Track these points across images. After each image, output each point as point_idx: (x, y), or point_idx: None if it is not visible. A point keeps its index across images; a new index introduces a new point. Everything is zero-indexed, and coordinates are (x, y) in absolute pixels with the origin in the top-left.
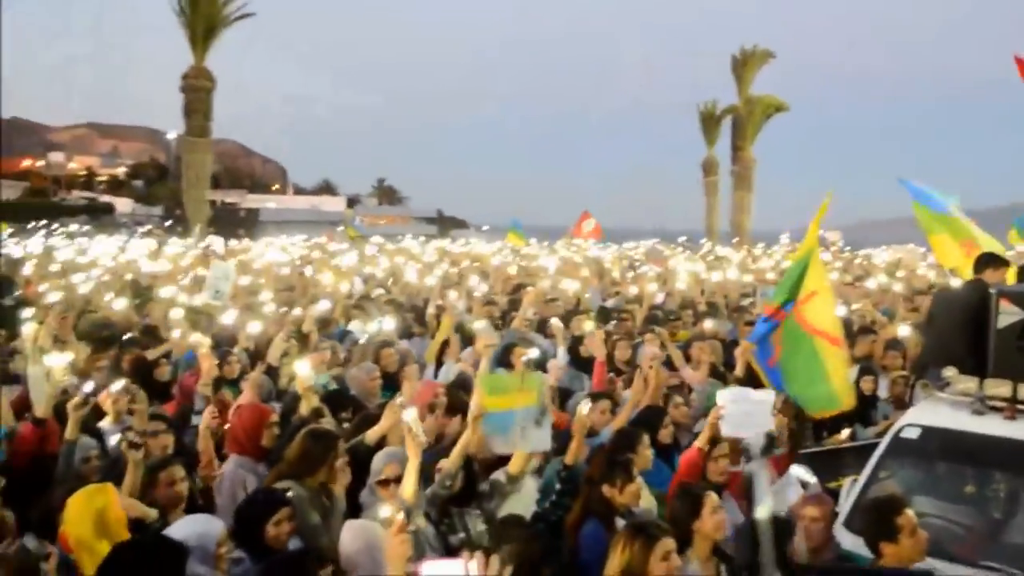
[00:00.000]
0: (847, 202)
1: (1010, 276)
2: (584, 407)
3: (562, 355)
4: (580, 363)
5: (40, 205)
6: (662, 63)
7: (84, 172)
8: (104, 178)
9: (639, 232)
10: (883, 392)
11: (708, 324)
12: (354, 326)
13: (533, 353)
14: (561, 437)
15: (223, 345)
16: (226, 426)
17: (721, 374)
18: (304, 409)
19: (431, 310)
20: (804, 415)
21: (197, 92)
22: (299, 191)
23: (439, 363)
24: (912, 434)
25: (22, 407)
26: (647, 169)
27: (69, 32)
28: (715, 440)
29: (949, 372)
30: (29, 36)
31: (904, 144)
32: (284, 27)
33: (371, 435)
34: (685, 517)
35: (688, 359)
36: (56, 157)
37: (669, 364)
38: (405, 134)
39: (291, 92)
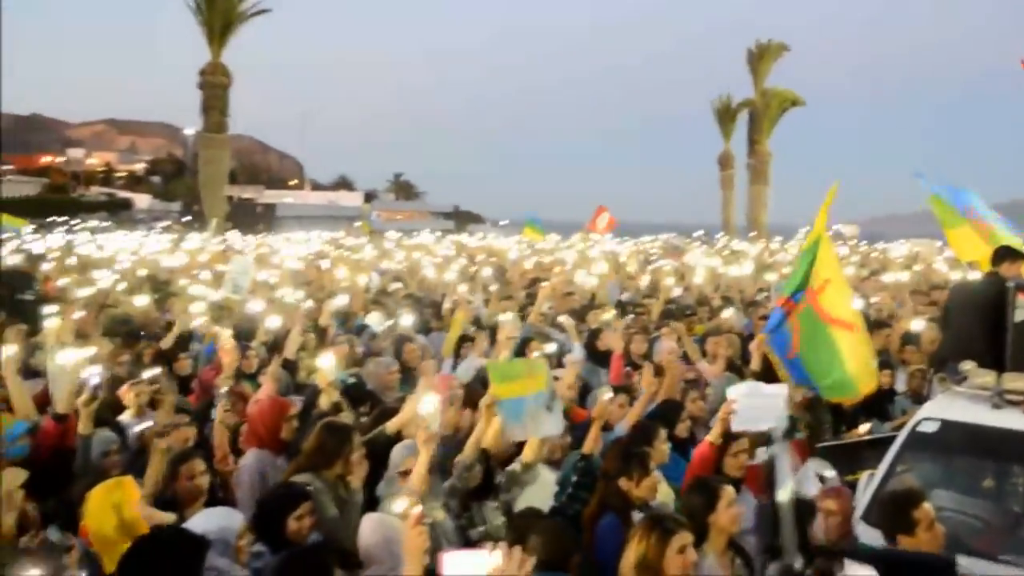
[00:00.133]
0: (865, 196)
1: None
2: (605, 395)
3: (578, 350)
4: (597, 357)
5: (60, 201)
6: (678, 58)
7: (103, 168)
8: (122, 174)
9: (655, 227)
10: (901, 386)
11: (727, 313)
12: (371, 319)
13: (550, 348)
14: (578, 432)
15: (241, 339)
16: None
17: (738, 368)
18: (324, 403)
19: (447, 305)
20: (821, 410)
21: (214, 88)
22: (316, 186)
23: (456, 357)
24: (930, 428)
25: (44, 402)
26: (663, 164)
27: (87, 29)
28: (730, 435)
29: (967, 366)
30: (46, 34)
31: (923, 138)
32: (299, 22)
33: (392, 425)
34: (701, 511)
35: (704, 353)
36: (75, 153)
37: (685, 358)
38: (422, 129)
39: (309, 86)
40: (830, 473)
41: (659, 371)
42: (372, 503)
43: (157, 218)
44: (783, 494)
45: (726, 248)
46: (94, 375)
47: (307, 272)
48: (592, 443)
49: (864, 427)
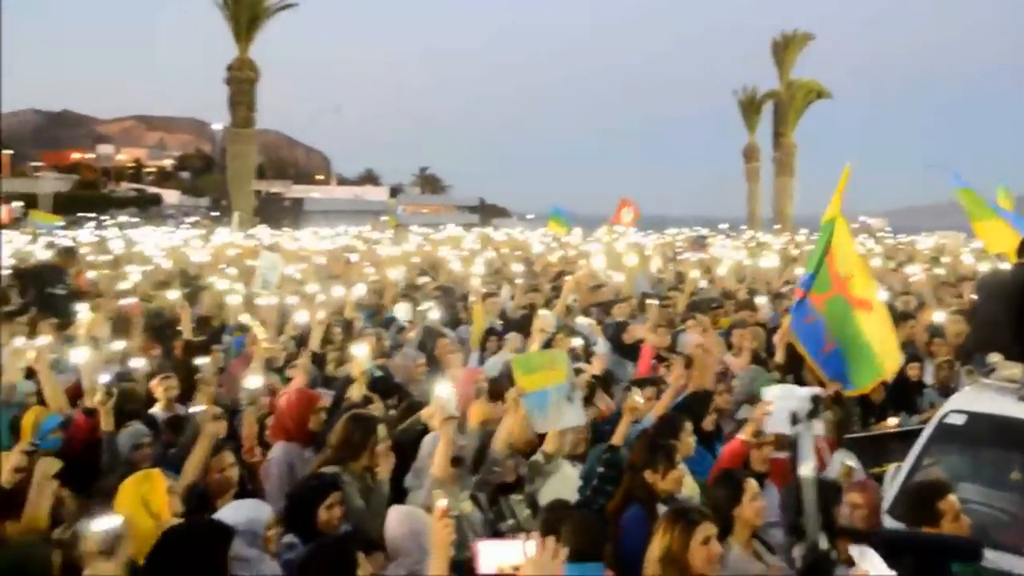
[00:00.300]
0: (892, 188)
1: None
2: (637, 395)
3: (602, 344)
4: (623, 350)
5: (90, 197)
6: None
7: (132, 164)
8: (152, 170)
9: (681, 220)
10: (929, 378)
11: (760, 300)
12: (399, 311)
13: (576, 342)
14: (600, 426)
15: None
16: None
17: (763, 360)
18: (355, 394)
19: (472, 298)
20: (849, 402)
21: (241, 83)
22: (342, 181)
23: (482, 350)
24: (957, 420)
25: (76, 395)
26: (689, 156)
27: (116, 27)
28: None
29: (994, 358)
30: (76, 32)
31: (951, 129)
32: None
33: (427, 413)
34: (726, 503)
35: (730, 346)
36: (105, 149)
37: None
38: (449, 123)
39: (336, 80)
40: (856, 465)
41: (688, 364)
42: (399, 495)
43: (186, 213)
44: (805, 470)
45: (752, 240)
46: (106, 374)
47: (334, 266)
48: (621, 436)
49: (892, 420)
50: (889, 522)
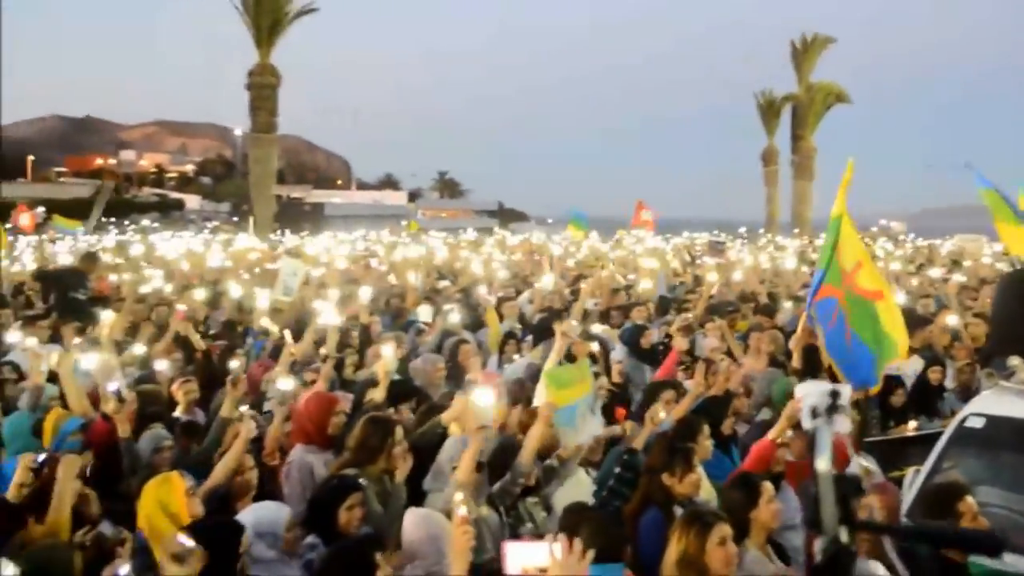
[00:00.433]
0: (912, 191)
1: None
2: (661, 411)
3: (619, 350)
4: (640, 354)
5: (113, 202)
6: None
7: (154, 169)
8: (173, 175)
9: (700, 223)
10: (951, 382)
11: (786, 306)
12: (421, 312)
13: (594, 346)
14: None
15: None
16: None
17: (781, 364)
18: (378, 396)
19: (493, 300)
20: (869, 406)
21: (262, 89)
22: (362, 185)
23: (501, 354)
24: (977, 423)
25: (99, 398)
26: (707, 159)
27: (137, 31)
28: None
29: (1014, 361)
30: (96, 36)
31: (975, 126)
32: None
33: (447, 417)
34: (742, 506)
35: (747, 349)
36: (127, 155)
37: (729, 354)
38: (468, 127)
39: (357, 85)
40: (875, 468)
41: (707, 368)
42: (417, 497)
43: (207, 218)
44: (822, 464)
45: (770, 244)
46: (115, 382)
47: (355, 271)
48: (641, 441)
49: (912, 424)
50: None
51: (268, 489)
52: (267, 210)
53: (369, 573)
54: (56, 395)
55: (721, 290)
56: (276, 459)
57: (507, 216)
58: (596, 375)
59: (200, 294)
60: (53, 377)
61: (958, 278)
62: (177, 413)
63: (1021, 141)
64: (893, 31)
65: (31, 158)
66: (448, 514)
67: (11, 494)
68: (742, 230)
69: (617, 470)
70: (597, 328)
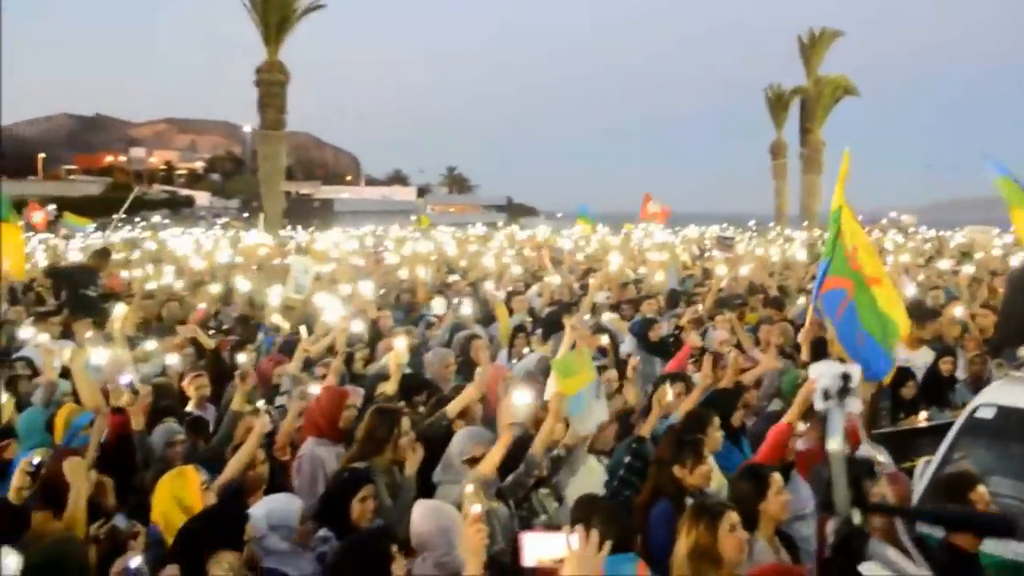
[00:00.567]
0: (922, 183)
1: None
2: (668, 391)
3: (628, 342)
4: (649, 346)
5: (123, 200)
6: (730, 45)
7: (164, 166)
8: (183, 172)
9: (709, 217)
10: (962, 374)
11: (800, 301)
12: (435, 305)
13: (604, 339)
14: (625, 421)
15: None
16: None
17: (790, 356)
18: (390, 389)
19: (501, 295)
20: (879, 397)
21: (271, 86)
22: (371, 181)
23: (510, 347)
24: (987, 414)
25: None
26: (716, 153)
27: (146, 30)
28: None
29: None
30: (106, 36)
31: (979, 123)
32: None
33: (452, 409)
34: (751, 498)
35: (757, 342)
36: (137, 152)
37: (738, 347)
38: (469, 127)
39: (363, 82)
40: (885, 459)
41: (715, 361)
42: (426, 490)
43: (217, 215)
44: (834, 445)
45: (779, 237)
46: (127, 375)
47: (366, 267)
48: (649, 428)
49: (923, 415)
50: None
51: (279, 483)
52: (276, 206)
53: (384, 565)
54: (69, 391)
55: (730, 284)
56: (287, 453)
57: (516, 211)
58: (604, 368)
59: (215, 289)
60: (66, 373)
61: (967, 269)
62: (188, 408)
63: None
64: (898, 26)
65: (42, 156)
66: (459, 506)
67: (11, 496)
68: (751, 223)
69: (627, 459)
70: (608, 316)
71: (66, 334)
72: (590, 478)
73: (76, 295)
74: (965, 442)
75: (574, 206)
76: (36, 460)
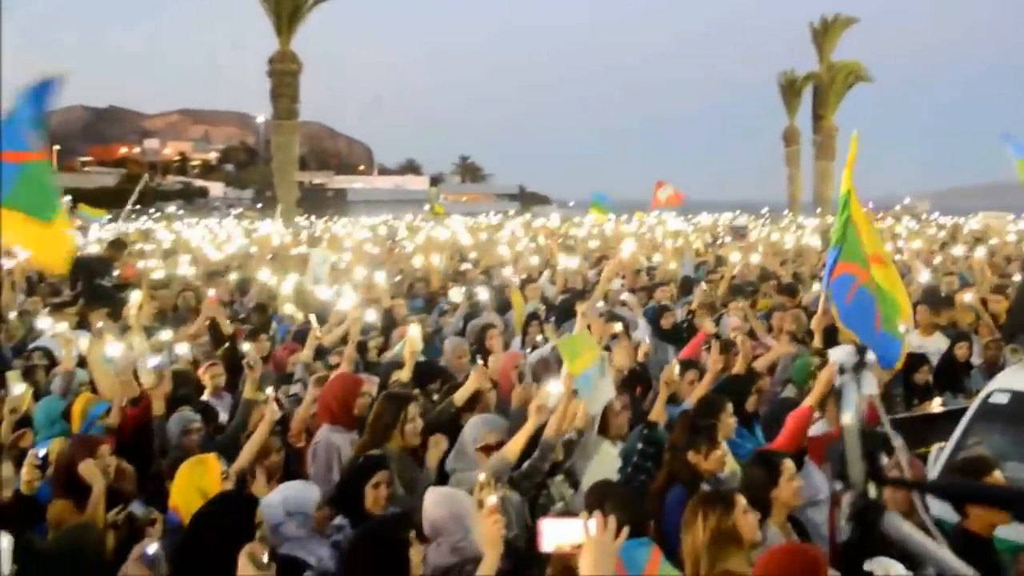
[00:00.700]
0: (935, 169)
1: None
2: (674, 368)
3: (643, 327)
4: (662, 334)
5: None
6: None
7: (178, 157)
8: (197, 163)
9: (722, 204)
10: (977, 359)
11: (815, 288)
12: (453, 295)
13: (617, 326)
14: (639, 408)
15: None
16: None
17: (803, 342)
18: (404, 376)
19: (516, 281)
20: (892, 383)
21: (284, 76)
22: (384, 171)
23: (524, 335)
24: (1001, 399)
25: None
26: (729, 140)
27: (159, 21)
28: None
29: None
30: (122, 28)
31: (994, 109)
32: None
33: (459, 396)
34: (762, 485)
35: (770, 329)
36: (151, 144)
37: (751, 334)
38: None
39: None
40: (899, 443)
41: (726, 347)
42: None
43: (231, 205)
44: (847, 418)
45: (792, 224)
46: (153, 358)
47: (380, 255)
48: (658, 411)
49: (936, 400)
50: (932, 501)
51: (294, 470)
52: (290, 196)
53: (401, 552)
54: (86, 380)
55: (742, 271)
56: (303, 440)
57: (529, 200)
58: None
59: (234, 276)
60: (82, 362)
61: (980, 252)
62: (204, 397)
63: None
64: (913, 9)
65: (56, 148)
66: (472, 493)
67: (23, 488)
68: (764, 211)
69: (640, 446)
70: (628, 296)
71: (82, 324)
72: (605, 464)
73: (91, 285)
74: (979, 427)
75: (586, 194)
76: (42, 453)
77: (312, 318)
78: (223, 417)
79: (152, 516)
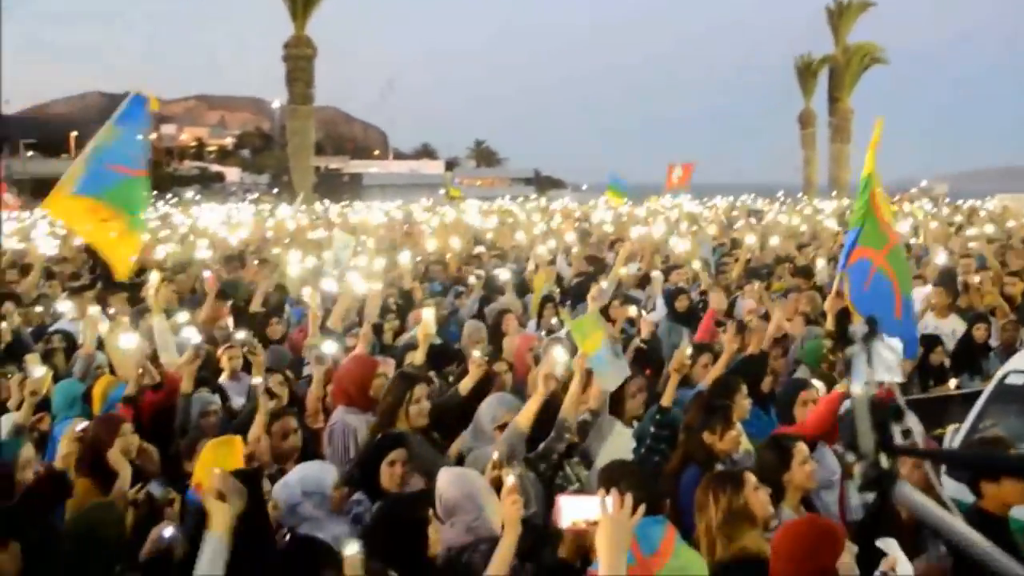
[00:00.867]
0: (953, 152)
1: None
2: (685, 353)
3: (661, 306)
4: (677, 316)
5: (154, 176)
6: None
7: (194, 143)
8: (213, 148)
9: (738, 187)
10: (995, 342)
11: (819, 265)
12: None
13: (632, 310)
14: (653, 389)
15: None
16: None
17: (816, 322)
18: (418, 359)
19: (530, 267)
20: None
21: (298, 61)
22: (399, 155)
23: (539, 318)
24: (1017, 381)
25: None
26: (745, 123)
27: (176, 7)
28: None
29: None
30: (138, 14)
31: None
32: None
33: (464, 386)
34: (775, 469)
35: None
36: (168, 129)
37: (765, 317)
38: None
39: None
40: (916, 427)
41: (741, 328)
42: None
43: (247, 190)
44: (856, 388)
45: (807, 207)
46: (198, 336)
47: (399, 238)
48: (670, 396)
49: (952, 382)
50: (948, 483)
51: (312, 450)
52: (306, 181)
53: (420, 529)
54: (105, 363)
55: (757, 254)
56: (320, 421)
57: (543, 184)
58: (631, 337)
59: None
60: (101, 346)
61: (988, 229)
62: (222, 379)
63: None
64: None
65: (74, 134)
66: (484, 471)
67: (59, 463)
68: (780, 193)
69: (652, 429)
70: (655, 274)
71: (101, 308)
72: (619, 445)
73: (109, 269)
74: (995, 409)
75: (599, 178)
76: (81, 426)
77: (307, 296)
78: (241, 401)
79: (170, 496)
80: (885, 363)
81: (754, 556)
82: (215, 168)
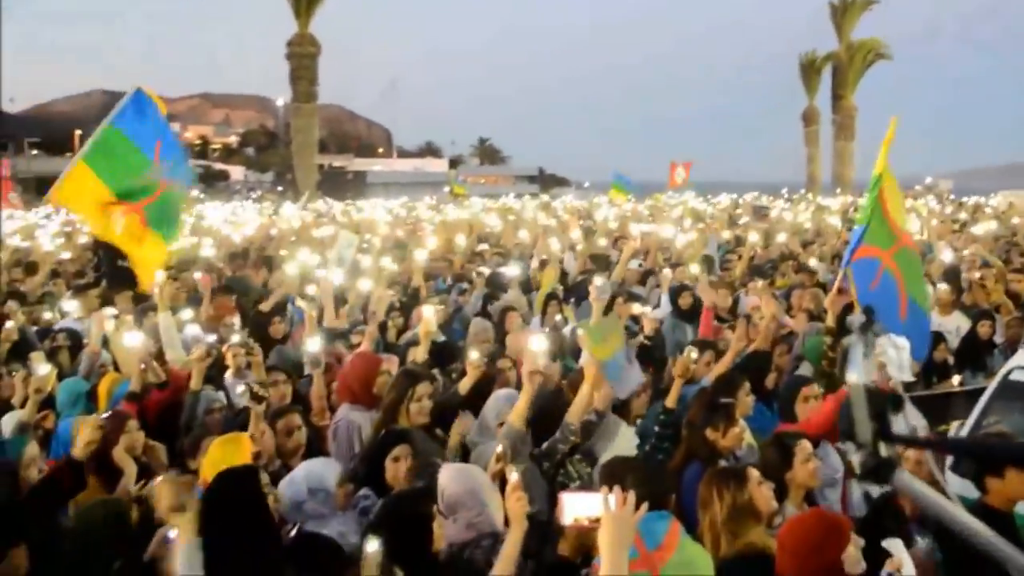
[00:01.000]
0: (957, 149)
1: None
2: (688, 357)
3: (665, 303)
4: (681, 313)
5: None
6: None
7: (199, 141)
8: (217, 146)
9: (741, 185)
10: (999, 338)
11: (813, 263)
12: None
13: (636, 307)
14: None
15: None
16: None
17: (819, 318)
18: (419, 356)
19: (535, 264)
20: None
21: (302, 59)
22: (403, 153)
23: (543, 315)
24: (1022, 377)
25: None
26: (746, 122)
27: (179, 5)
28: None
29: None
30: (141, 12)
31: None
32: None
33: (463, 386)
34: (778, 467)
35: (789, 308)
36: (172, 127)
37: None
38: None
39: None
40: (920, 423)
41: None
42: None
43: (251, 188)
44: (853, 376)
45: (811, 204)
46: (211, 334)
47: (402, 235)
48: (674, 399)
49: (956, 379)
50: (952, 479)
51: (317, 447)
52: (310, 179)
53: (425, 524)
54: (108, 361)
55: (762, 251)
56: (326, 418)
57: (548, 181)
58: (635, 334)
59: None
60: (106, 344)
61: (989, 225)
62: (227, 376)
63: None
64: None
65: (78, 133)
66: (486, 467)
67: (79, 453)
68: (784, 190)
69: (656, 428)
70: (666, 272)
71: (105, 306)
72: (623, 444)
73: (114, 267)
74: (999, 406)
75: (601, 176)
76: (106, 415)
77: (312, 292)
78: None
79: None
80: (896, 362)
81: (759, 551)
82: (219, 166)
